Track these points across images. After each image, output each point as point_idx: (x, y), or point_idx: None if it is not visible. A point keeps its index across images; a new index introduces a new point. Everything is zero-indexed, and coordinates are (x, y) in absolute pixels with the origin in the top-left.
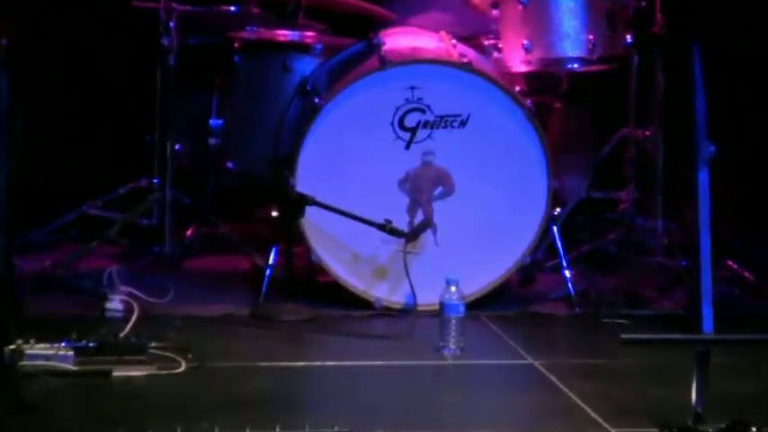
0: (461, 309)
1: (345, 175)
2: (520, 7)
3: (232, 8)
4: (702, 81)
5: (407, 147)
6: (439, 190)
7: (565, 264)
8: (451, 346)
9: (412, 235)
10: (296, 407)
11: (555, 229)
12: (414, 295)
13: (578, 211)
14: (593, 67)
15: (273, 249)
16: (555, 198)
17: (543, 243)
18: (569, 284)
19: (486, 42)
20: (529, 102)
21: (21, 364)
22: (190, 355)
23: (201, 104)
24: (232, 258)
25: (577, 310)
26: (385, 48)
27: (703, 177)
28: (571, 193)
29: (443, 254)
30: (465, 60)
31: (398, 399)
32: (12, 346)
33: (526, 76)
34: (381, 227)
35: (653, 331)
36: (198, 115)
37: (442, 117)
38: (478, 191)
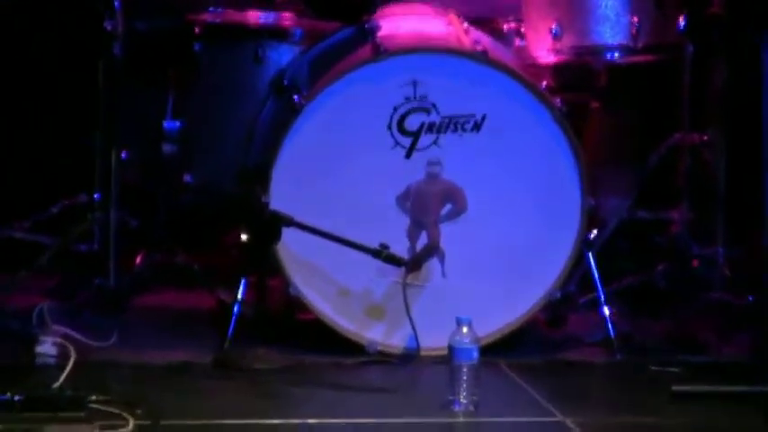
0: (475, 354)
1: (331, 191)
2: None
3: None
4: None
5: (408, 155)
6: (447, 208)
7: (603, 300)
8: (463, 400)
9: (414, 264)
10: None
11: (590, 256)
12: (416, 338)
13: (620, 234)
14: (638, 58)
15: (242, 282)
16: (591, 219)
17: (576, 274)
18: (608, 325)
19: (505, 27)
20: (558, 101)
21: None
22: (139, 412)
23: (154, 103)
24: (191, 293)
25: (618, 356)
26: (380, 33)
27: None
28: (611, 212)
29: (453, 287)
30: (479, 49)
31: None
32: None
33: (555, 69)
34: (376, 253)
35: (711, 382)
36: (149, 116)
37: (450, 119)
38: (496, 210)
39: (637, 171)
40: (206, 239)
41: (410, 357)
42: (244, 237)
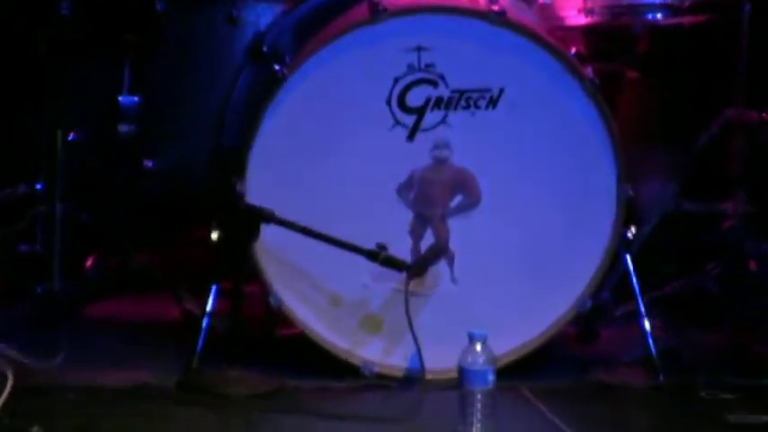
0: (490, 377)
1: (319, 180)
2: None
3: None
4: None
5: (411, 136)
6: (457, 200)
7: (643, 310)
8: (475, 430)
9: (417, 267)
10: None
11: (628, 258)
12: (420, 357)
13: (663, 231)
14: (685, 19)
15: (213, 289)
16: (629, 212)
17: (611, 279)
18: (649, 341)
19: None
20: (590, 70)
21: None
22: None
23: (107, 75)
24: (152, 302)
25: (662, 378)
26: None
27: None
28: (652, 204)
29: (464, 296)
30: (496, 9)
31: None
32: None
33: (586, 32)
34: (372, 255)
35: None
36: (102, 90)
37: (461, 93)
38: (515, 202)
39: (683, 154)
40: (170, 238)
41: (413, 381)
42: (215, 235)
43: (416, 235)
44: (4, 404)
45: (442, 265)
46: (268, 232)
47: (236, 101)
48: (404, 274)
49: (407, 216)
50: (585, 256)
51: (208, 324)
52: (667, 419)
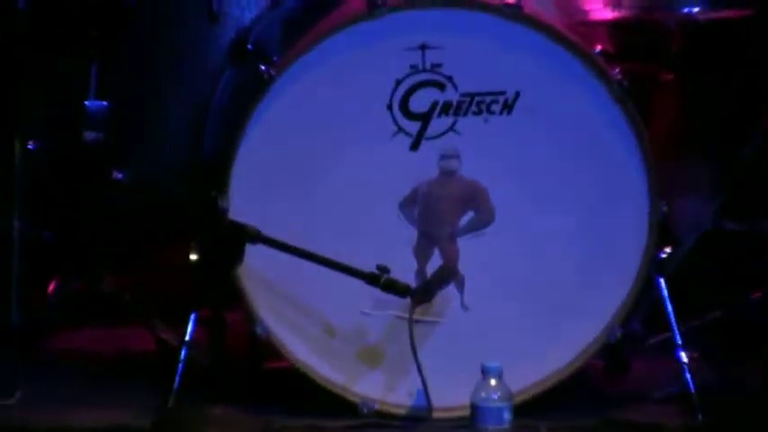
0: (506, 416)
1: (312, 194)
2: None
3: None
4: None
5: (415, 146)
6: (468, 218)
7: (679, 341)
8: None
9: (423, 292)
10: None
11: (662, 282)
12: (426, 393)
13: (702, 253)
14: (726, 13)
15: (192, 317)
16: (663, 232)
17: (643, 306)
18: (686, 375)
19: None
20: (617, 71)
21: None
22: None
23: (71, 76)
24: (123, 332)
25: (700, 417)
26: None
27: None
28: (689, 223)
29: (476, 324)
30: (510, 1)
31: None
32: None
33: (613, 29)
34: (372, 279)
35: None
36: (65, 94)
37: (472, 96)
38: (533, 219)
39: (724, 167)
40: (143, 259)
41: (418, 420)
42: (194, 256)
43: (422, 256)
44: None
45: (450, 290)
46: (254, 253)
47: (217, 106)
48: (408, 300)
49: (412, 235)
50: (614, 279)
51: (186, 356)
52: None
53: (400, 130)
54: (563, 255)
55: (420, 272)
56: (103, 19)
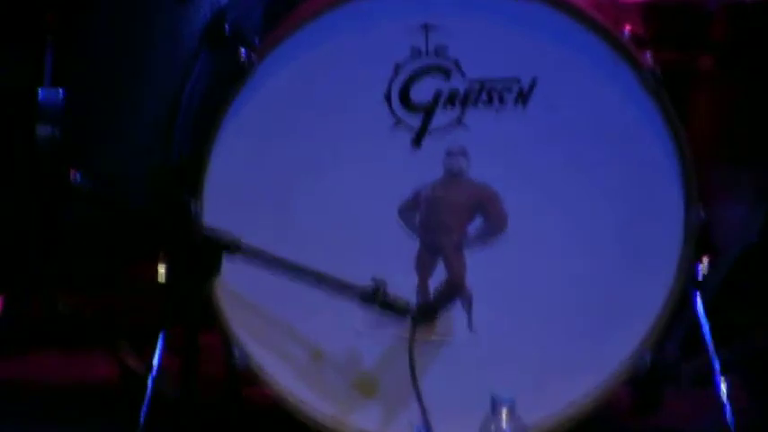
0: None
1: (298, 198)
2: None
3: None
4: None
5: (417, 142)
6: (476, 225)
7: (718, 368)
8: None
9: (425, 311)
10: None
11: (699, 301)
12: (428, 427)
13: (746, 267)
14: None
15: (160, 340)
16: (701, 242)
17: (677, 329)
18: (726, 406)
19: None
20: (649, 57)
21: None
22: None
23: (22, 61)
24: (82, 358)
25: None
26: None
27: None
28: (732, 233)
29: (485, 349)
30: None
31: None
32: None
33: (646, 9)
34: (367, 295)
35: None
36: (15, 82)
37: (482, 84)
38: (551, 229)
39: None
40: (105, 275)
41: None
42: (163, 270)
43: (424, 269)
44: None
45: (456, 309)
46: (231, 266)
47: (189, 97)
48: (408, 320)
49: (412, 245)
50: (644, 297)
51: (153, 386)
52: None
53: (399, 123)
54: (585, 268)
55: (422, 287)
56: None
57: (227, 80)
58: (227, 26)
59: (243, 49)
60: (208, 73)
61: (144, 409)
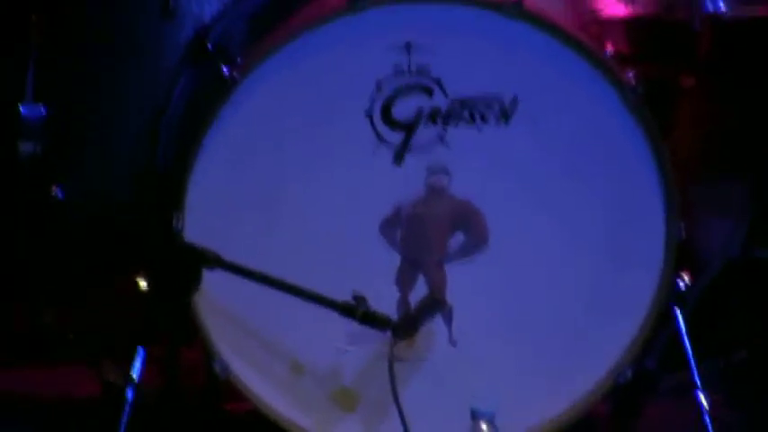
0: None
1: (279, 213)
2: None
3: None
4: None
5: (399, 159)
6: (458, 241)
7: (699, 381)
8: None
9: (406, 326)
10: None
11: (680, 316)
12: None
13: (728, 282)
14: (758, 10)
15: (140, 353)
16: (681, 257)
17: (658, 342)
18: (707, 421)
19: None
20: (631, 75)
21: None
22: None
23: (4, 76)
24: (61, 371)
25: None
26: None
27: None
28: (713, 249)
29: (466, 362)
30: None
31: None
32: None
33: (628, 27)
34: (347, 310)
35: None
36: None
37: (464, 102)
38: (532, 244)
39: (753, 185)
40: (86, 288)
41: None
42: (144, 283)
43: (405, 284)
44: None
45: (437, 323)
46: (212, 280)
47: (172, 112)
48: (388, 335)
49: (394, 260)
50: (624, 312)
51: (133, 398)
52: None
53: (381, 141)
54: (566, 284)
55: (402, 302)
56: (42, 12)
57: (210, 96)
58: (209, 43)
59: (226, 67)
60: (191, 89)
61: (123, 420)
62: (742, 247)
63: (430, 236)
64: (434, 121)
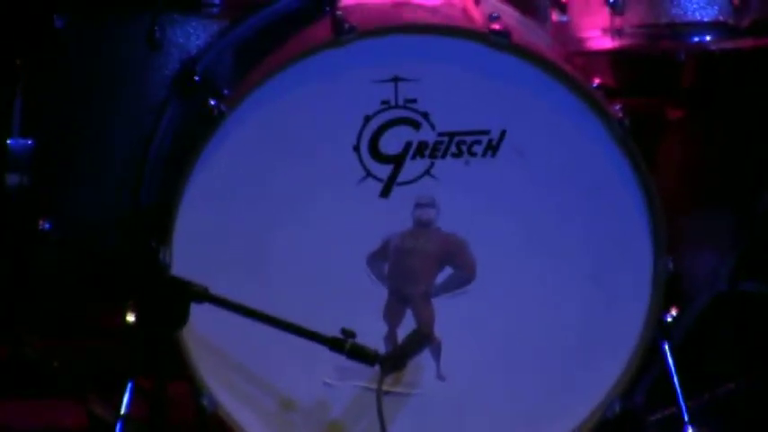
0: None
1: (267, 247)
2: None
3: None
4: None
5: (386, 192)
6: (445, 275)
7: (686, 417)
8: None
9: (394, 360)
10: None
11: (667, 349)
12: None
13: (715, 316)
14: (743, 43)
15: (129, 387)
16: (669, 291)
17: (646, 377)
18: None
19: None
20: (618, 108)
21: None
22: None
23: None
24: (50, 405)
25: None
26: (345, 2)
27: None
28: (700, 282)
29: (454, 397)
30: (497, 28)
31: None
32: None
33: (615, 59)
34: (335, 344)
35: None
36: None
37: (451, 136)
38: (520, 278)
39: (741, 218)
40: (73, 322)
41: None
42: (131, 317)
43: (393, 318)
44: None
45: (425, 357)
46: (200, 314)
47: (158, 145)
48: (376, 369)
49: (381, 294)
50: (612, 346)
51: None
52: None
53: (369, 174)
54: (553, 318)
55: (390, 336)
56: (30, 46)
57: (197, 129)
58: (196, 76)
59: (212, 100)
60: (178, 121)
61: None
62: (729, 281)
63: (417, 269)
64: (422, 155)
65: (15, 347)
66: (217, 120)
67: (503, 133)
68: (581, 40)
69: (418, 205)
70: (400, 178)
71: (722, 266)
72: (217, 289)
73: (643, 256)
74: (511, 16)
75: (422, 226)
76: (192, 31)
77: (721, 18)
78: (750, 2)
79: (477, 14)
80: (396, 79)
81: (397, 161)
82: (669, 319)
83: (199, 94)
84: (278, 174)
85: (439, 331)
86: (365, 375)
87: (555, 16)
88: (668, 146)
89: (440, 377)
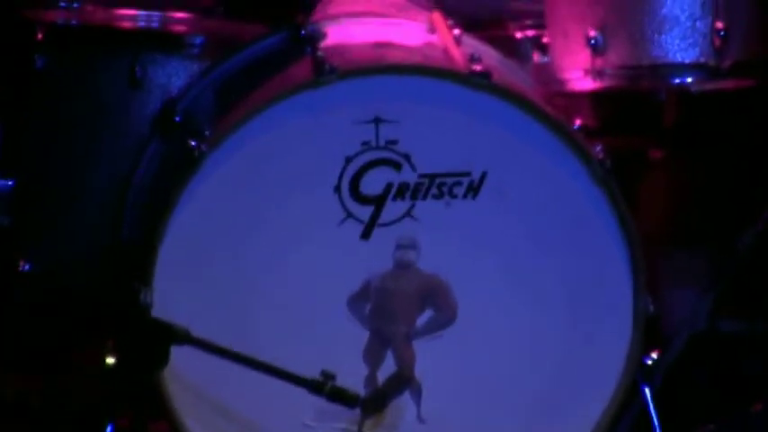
0: None
1: (246, 288)
2: None
3: None
4: None
5: (367, 234)
6: (426, 316)
7: None
8: None
9: (374, 402)
10: None
11: (648, 392)
12: None
13: (694, 357)
14: (724, 84)
15: (109, 428)
16: (649, 332)
17: (626, 419)
18: None
19: (518, 35)
20: (600, 149)
21: None
22: None
23: None
24: None
25: None
26: (325, 43)
27: None
28: (680, 322)
29: None
30: (478, 69)
31: None
32: None
33: (595, 100)
34: (315, 386)
35: None
36: None
37: (432, 177)
38: (501, 320)
39: (720, 258)
40: (52, 361)
41: None
42: (111, 358)
43: (373, 360)
44: None
45: (405, 399)
46: (180, 356)
47: (139, 185)
48: (357, 411)
49: (362, 335)
50: (593, 387)
51: None
52: None
53: (349, 215)
54: (534, 360)
55: (371, 378)
56: (10, 85)
57: (178, 168)
58: (177, 116)
59: (193, 140)
60: (158, 161)
61: None
62: (708, 320)
63: (398, 310)
64: (403, 196)
65: None
66: (197, 160)
67: (483, 175)
68: (562, 81)
69: (399, 246)
70: (381, 219)
71: (700, 306)
72: (197, 330)
73: (623, 297)
74: (492, 57)
75: (403, 267)
76: (173, 71)
77: (702, 60)
78: (731, 44)
79: (459, 55)
80: (377, 120)
81: (377, 202)
82: (649, 362)
83: (179, 134)
84: (259, 214)
85: (419, 373)
86: (345, 417)
87: (536, 57)
88: (649, 185)
89: (420, 419)
